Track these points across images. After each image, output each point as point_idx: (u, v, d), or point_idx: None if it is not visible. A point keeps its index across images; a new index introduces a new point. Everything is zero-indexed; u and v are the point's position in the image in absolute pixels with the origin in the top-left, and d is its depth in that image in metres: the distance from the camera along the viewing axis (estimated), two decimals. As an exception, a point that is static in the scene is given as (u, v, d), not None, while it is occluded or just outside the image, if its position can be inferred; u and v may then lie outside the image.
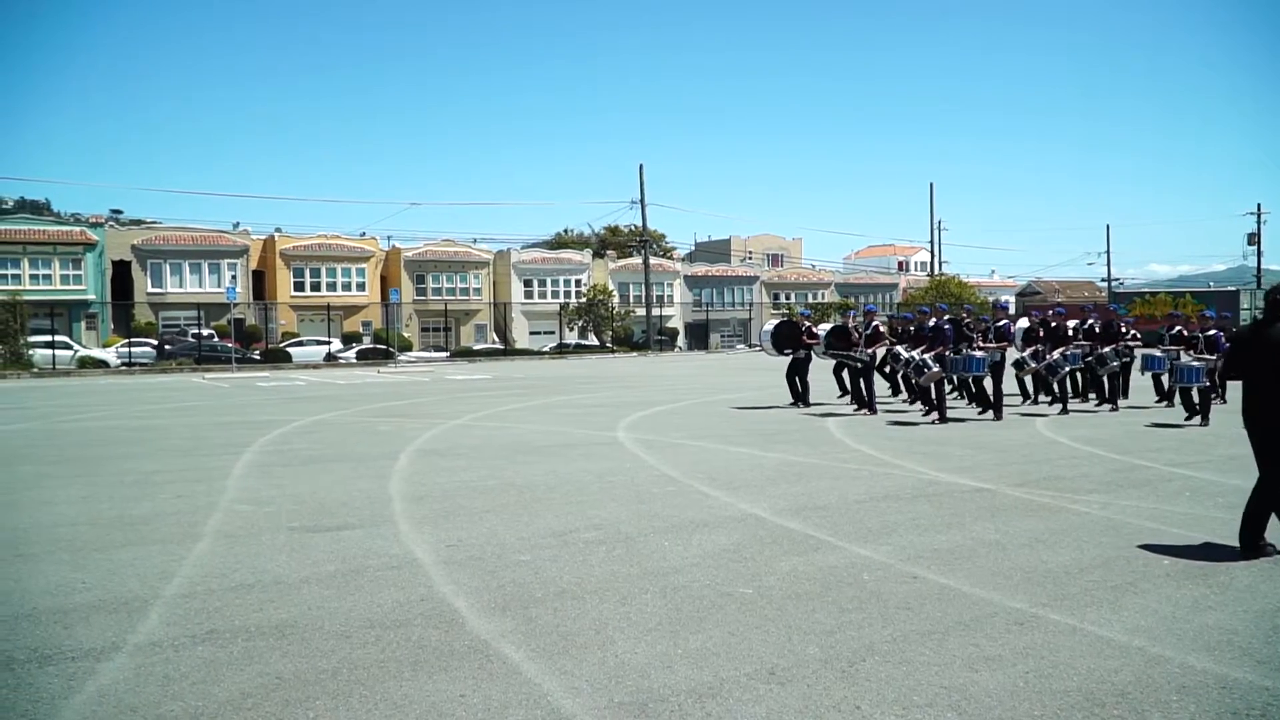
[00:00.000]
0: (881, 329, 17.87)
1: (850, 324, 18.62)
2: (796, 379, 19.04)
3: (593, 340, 59.63)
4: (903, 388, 19.71)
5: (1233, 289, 53.55)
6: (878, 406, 17.52)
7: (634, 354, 52.75)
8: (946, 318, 17.70)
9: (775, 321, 20.76)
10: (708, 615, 5.76)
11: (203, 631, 5.51)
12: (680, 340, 66.31)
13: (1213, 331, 16.80)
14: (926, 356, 16.17)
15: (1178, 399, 17.35)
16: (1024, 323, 19.97)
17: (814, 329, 19.43)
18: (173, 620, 5.72)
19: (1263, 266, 70.57)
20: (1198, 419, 15.68)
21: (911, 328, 18.15)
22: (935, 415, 16.17)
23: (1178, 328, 17.75)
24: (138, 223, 63.70)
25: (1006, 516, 8.45)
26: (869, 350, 17.35)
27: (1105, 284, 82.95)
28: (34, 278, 51.97)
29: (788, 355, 19.32)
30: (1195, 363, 15.98)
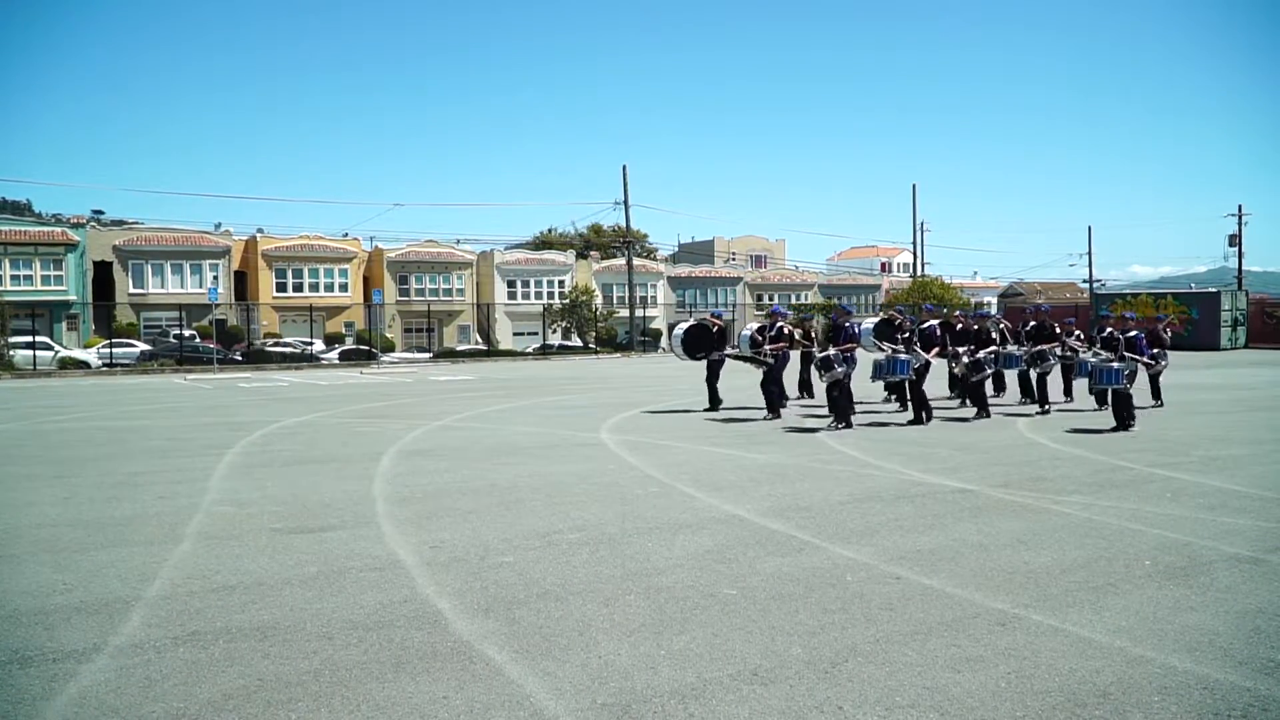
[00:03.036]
0: (786, 330, 17.50)
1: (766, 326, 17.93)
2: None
3: (576, 341, 59.58)
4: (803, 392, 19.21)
5: (1214, 290, 53.77)
6: (783, 411, 17.05)
7: (617, 355, 52.66)
8: (935, 320, 17.48)
9: (686, 324, 19.45)
10: (691, 616, 5.76)
11: (184, 633, 5.48)
12: (664, 341, 66.29)
13: (1133, 333, 16.07)
14: (830, 355, 15.31)
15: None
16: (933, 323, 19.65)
17: (724, 329, 18.73)
18: (154, 622, 5.69)
19: (1244, 268, 71.03)
20: (1132, 426, 14.75)
21: (845, 326, 16.84)
22: (835, 422, 15.24)
23: (1109, 329, 16.78)
24: (119, 223, 63.32)
25: (989, 517, 8.48)
26: (774, 351, 16.83)
27: (1087, 285, 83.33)
28: (15, 278, 51.67)
29: (700, 359, 18.43)
30: (1115, 363, 15.13)
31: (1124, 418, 14.85)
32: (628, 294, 60.41)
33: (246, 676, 4.84)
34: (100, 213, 66.97)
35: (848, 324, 16.52)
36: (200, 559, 7.19)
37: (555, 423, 16.58)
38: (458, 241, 67.05)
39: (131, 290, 55.30)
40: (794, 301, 71.67)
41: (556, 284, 67.76)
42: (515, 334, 65.25)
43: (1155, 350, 18.85)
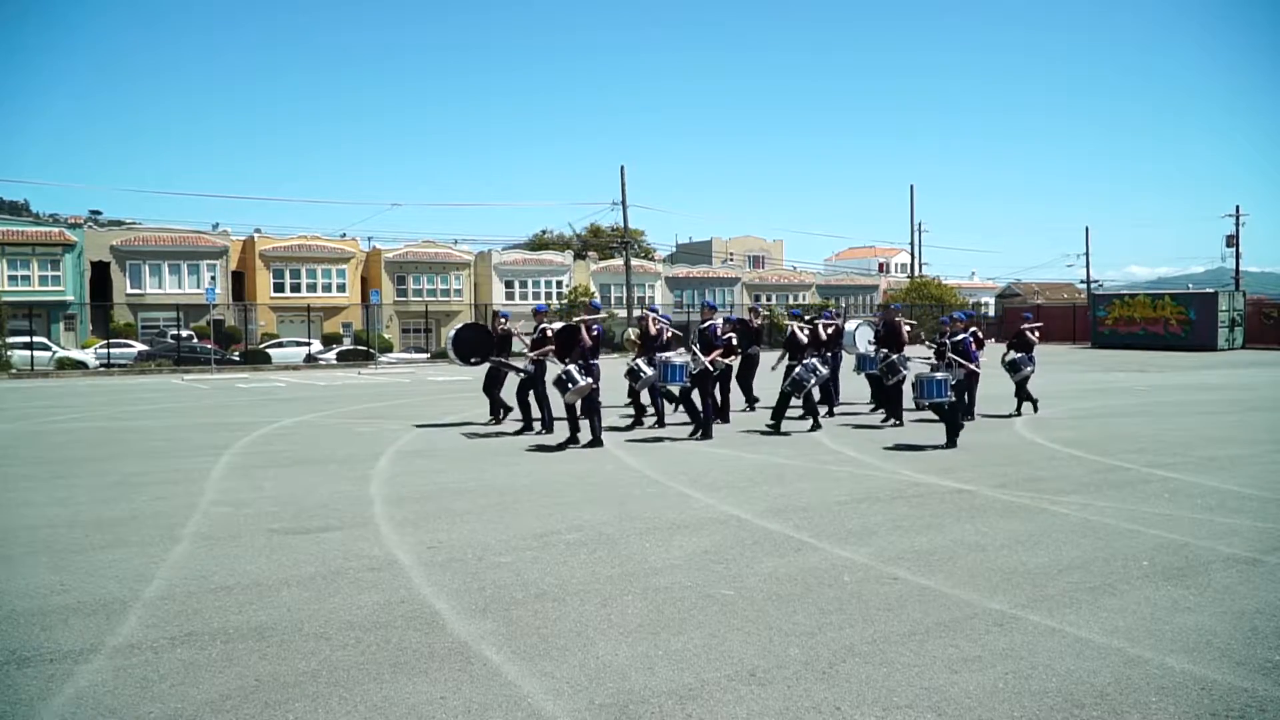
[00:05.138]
0: (549, 332, 15.37)
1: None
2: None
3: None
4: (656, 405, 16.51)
5: (1211, 291, 53.74)
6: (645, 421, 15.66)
7: (615, 355, 52.68)
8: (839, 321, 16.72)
9: (459, 325, 17.43)
10: (689, 617, 5.76)
11: (181, 633, 5.48)
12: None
13: (961, 336, 14.24)
14: (640, 361, 14.56)
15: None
16: (850, 325, 18.62)
17: (509, 330, 16.57)
18: (151, 622, 5.69)
19: (1241, 269, 71.07)
20: (948, 441, 13.22)
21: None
22: (698, 431, 14.33)
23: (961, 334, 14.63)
24: (117, 223, 63.31)
25: (986, 518, 8.49)
26: (532, 358, 15.04)
27: (1084, 285, 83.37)
28: (12, 279, 51.58)
29: (474, 364, 16.33)
30: (939, 374, 13.54)
31: (951, 431, 13.26)
32: (625, 294, 60.41)
33: (244, 677, 4.84)
34: (98, 213, 67.08)
35: (708, 325, 15.28)
36: (197, 560, 7.18)
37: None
38: (455, 242, 66.98)
39: (129, 290, 55.23)
40: (792, 301, 71.63)
41: (555, 284, 67.71)
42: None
43: (1020, 354, 17.53)
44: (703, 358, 14.79)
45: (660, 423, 15.64)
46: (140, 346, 44.26)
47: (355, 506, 9.19)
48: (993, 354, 19.28)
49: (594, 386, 13.51)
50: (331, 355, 46.25)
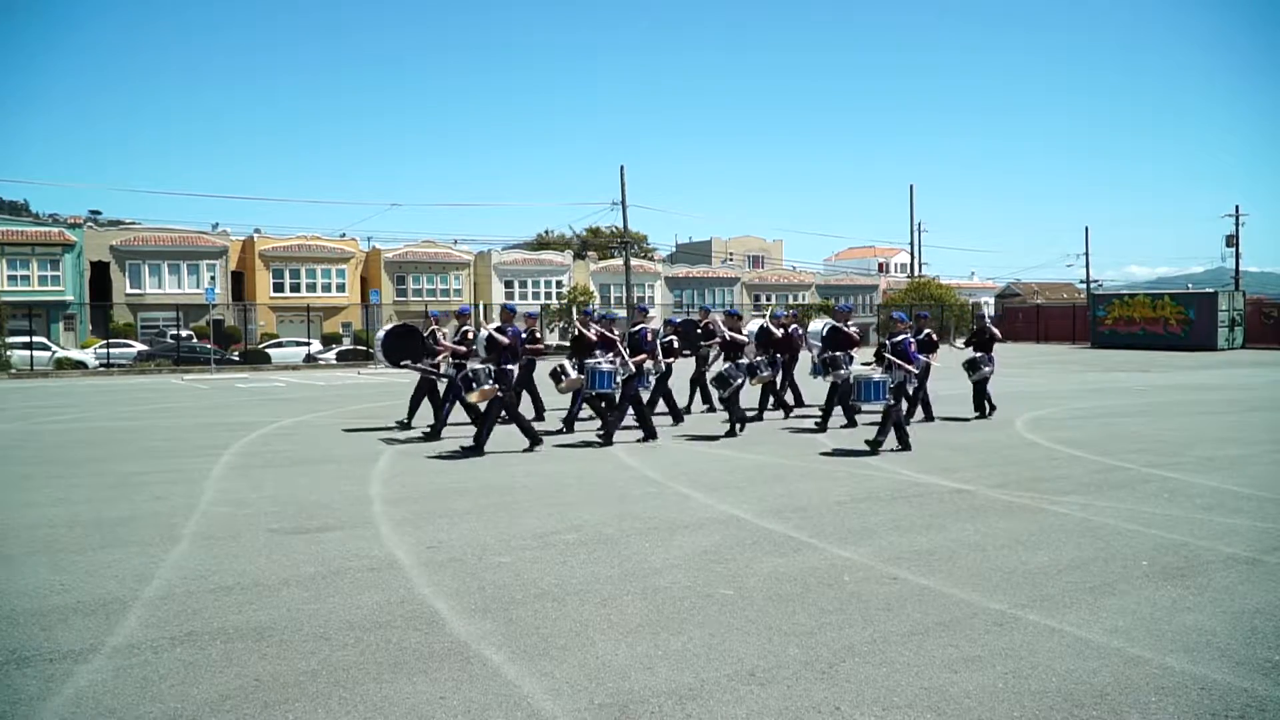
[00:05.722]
0: (470, 334, 14.87)
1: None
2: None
3: (574, 342, 59.35)
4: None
5: (1211, 290, 53.72)
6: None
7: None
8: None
9: (389, 325, 16.44)
10: (688, 617, 5.76)
11: (181, 633, 5.48)
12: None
13: (901, 337, 13.31)
14: (566, 363, 14.28)
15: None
16: (754, 325, 17.41)
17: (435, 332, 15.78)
18: (151, 622, 5.69)
19: (1241, 268, 71.07)
20: (880, 447, 12.63)
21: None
22: (600, 434, 13.74)
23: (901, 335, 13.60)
24: (116, 223, 63.26)
25: (986, 518, 8.49)
26: (436, 362, 14.66)
27: (1084, 285, 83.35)
28: (11, 279, 51.56)
29: (404, 367, 15.66)
30: (877, 376, 13.07)
31: (902, 436, 12.81)
32: (625, 294, 60.40)
33: (243, 677, 4.84)
34: (97, 213, 67.09)
35: (638, 328, 14.54)
36: (197, 559, 7.18)
37: (552, 422, 16.54)
38: (455, 242, 66.97)
39: (128, 290, 55.21)
40: (791, 302, 71.64)
41: (554, 284, 67.70)
42: (513, 334, 65.00)
43: (979, 354, 16.83)
44: (630, 362, 13.87)
45: (608, 435, 13.80)
46: (140, 346, 44.25)
47: (355, 506, 9.19)
48: (958, 356, 19.01)
49: (577, 388, 13.42)
50: (331, 355, 46.24)
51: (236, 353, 45.15)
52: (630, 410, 14.05)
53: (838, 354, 15.07)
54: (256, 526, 8.32)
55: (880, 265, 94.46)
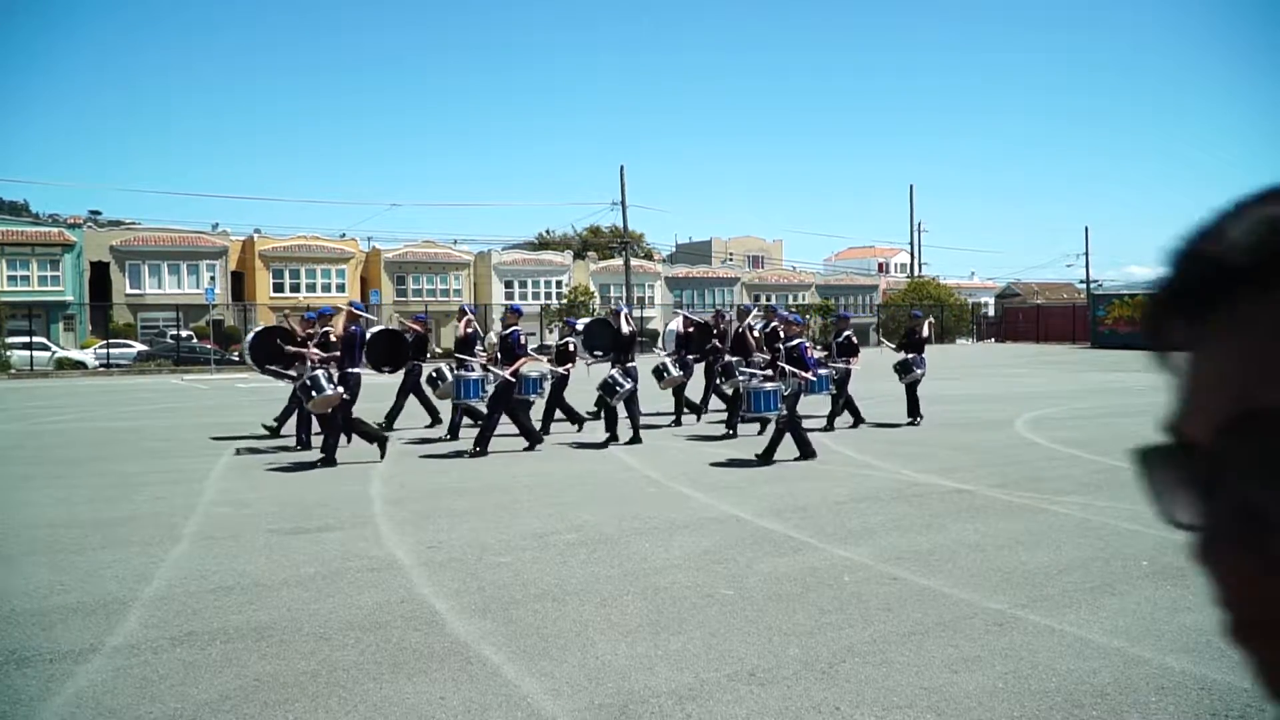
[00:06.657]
0: (332, 336, 13.92)
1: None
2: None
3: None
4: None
5: (1210, 291, 53.68)
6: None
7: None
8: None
9: (258, 328, 15.56)
10: (688, 617, 5.76)
11: (181, 634, 5.48)
12: (660, 341, 66.06)
13: (796, 341, 12.51)
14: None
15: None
16: (675, 324, 17.06)
17: (307, 331, 14.89)
18: (151, 622, 5.69)
19: (1240, 269, 71.00)
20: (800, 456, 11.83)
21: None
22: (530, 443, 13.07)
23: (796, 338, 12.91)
24: (116, 224, 63.24)
25: (986, 518, 8.49)
26: (314, 364, 13.39)
27: (1084, 285, 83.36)
28: (11, 279, 51.55)
29: (269, 373, 15.21)
30: (767, 385, 12.27)
31: (802, 444, 11.88)
32: (625, 294, 60.41)
33: (243, 677, 4.84)
34: (97, 213, 67.04)
35: (510, 331, 13.51)
36: (197, 560, 7.18)
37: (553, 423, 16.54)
38: (455, 242, 66.96)
39: (128, 291, 55.21)
40: (791, 302, 71.64)
41: (554, 284, 67.68)
42: (513, 334, 64.94)
43: (910, 355, 16.07)
44: (500, 370, 12.93)
45: (534, 440, 13.25)
46: (140, 347, 44.27)
47: (355, 506, 9.19)
48: (890, 358, 18.51)
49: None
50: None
51: (236, 353, 45.18)
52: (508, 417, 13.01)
53: (736, 360, 14.74)
54: (256, 526, 8.32)
55: (880, 265, 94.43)
